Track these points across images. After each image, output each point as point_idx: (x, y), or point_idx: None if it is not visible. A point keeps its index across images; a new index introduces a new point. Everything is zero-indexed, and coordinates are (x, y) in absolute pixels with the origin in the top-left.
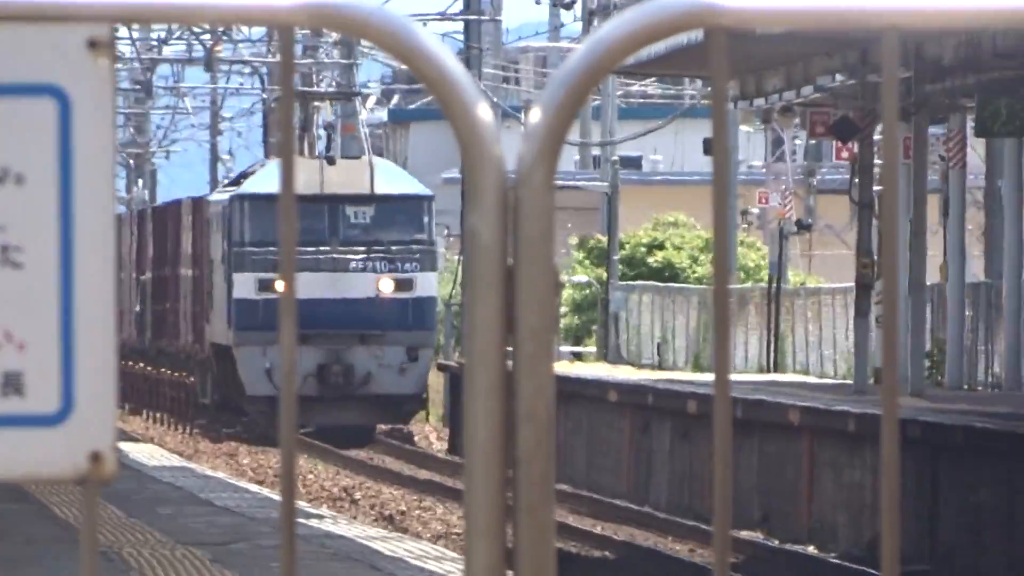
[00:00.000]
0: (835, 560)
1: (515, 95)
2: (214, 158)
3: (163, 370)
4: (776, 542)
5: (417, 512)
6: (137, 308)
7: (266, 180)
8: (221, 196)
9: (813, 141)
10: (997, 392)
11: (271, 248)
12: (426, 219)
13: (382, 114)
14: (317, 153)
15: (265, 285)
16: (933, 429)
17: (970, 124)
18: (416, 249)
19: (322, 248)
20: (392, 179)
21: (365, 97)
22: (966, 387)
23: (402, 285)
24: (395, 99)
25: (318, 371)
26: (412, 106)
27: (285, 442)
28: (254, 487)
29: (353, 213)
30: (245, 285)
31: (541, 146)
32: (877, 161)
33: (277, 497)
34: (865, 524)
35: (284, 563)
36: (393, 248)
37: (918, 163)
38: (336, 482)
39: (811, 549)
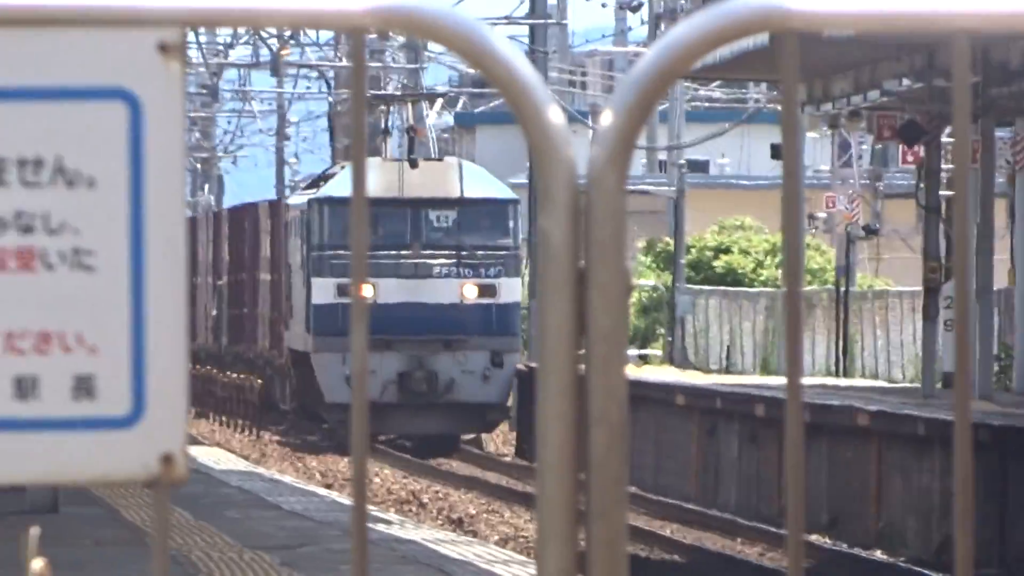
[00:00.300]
0: (903, 564)
1: (581, 99)
2: (280, 162)
3: (230, 374)
4: (844, 546)
5: (485, 516)
6: (214, 312)
7: (345, 183)
8: (299, 199)
9: (879, 145)
10: None
11: (350, 253)
12: (511, 223)
13: (449, 118)
14: (391, 155)
15: (344, 290)
16: (1003, 433)
17: None
18: (501, 254)
19: (404, 253)
20: (476, 182)
21: (434, 100)
22: None
23: (486, 291)
24: (461, 103)
25: (400, 378)
26: (478, 110)
27: (357, 447)
28: (322, 491)
29: (436, 217)
30: (324, 290)
31: (612, 149)
32: (944, 165)
33: (345, 500)
34: (934, 528)
35: (356, 567)
36: (477, 253)
37: (985, 167)
38: (404, 486)
39: (879, 553)
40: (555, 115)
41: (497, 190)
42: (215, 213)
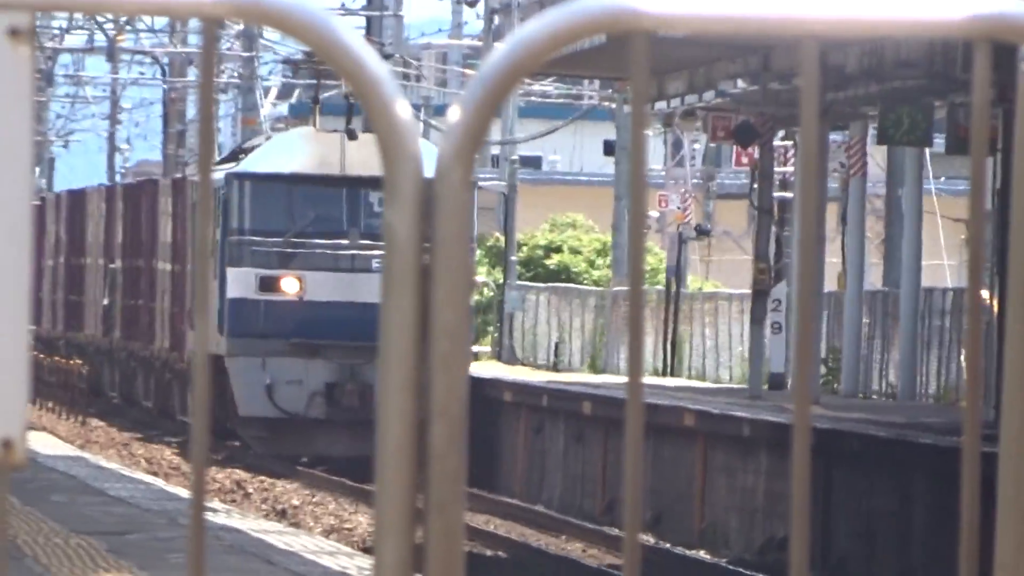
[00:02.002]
0: (725, 565)
1: (415, 92)
2: (112, 148)
3: (59, 358)
4: (667, 545)
5: (310, 507)
6: (105, 302)
7: (271, 157)
8: (213, 175)
9: (713, 145)
10: (892, 401)
11: (276, 238)
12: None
13: (283, 108)
14: (322, 128)
15: (268, 284)
16: (828, 436)
17: (871, 132)
18: None
19: (340, 243)
20: (430, 160)
21: (266, 90)
22: (861, 395)
23: None
24: (296, 93)
25: (328, 390)
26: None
27: (197, 440)
28: (148, 478)
29: (379, 200)
30: (242, 282)
31: (460, 144)
32: (777, 168)
33: (170, 488)
34: (756, 529)
35: (192, 557)
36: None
37: (818, 170)
38: (228, 475)
39: (702, 553)
40: (403, 109)
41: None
42: (109, 187)
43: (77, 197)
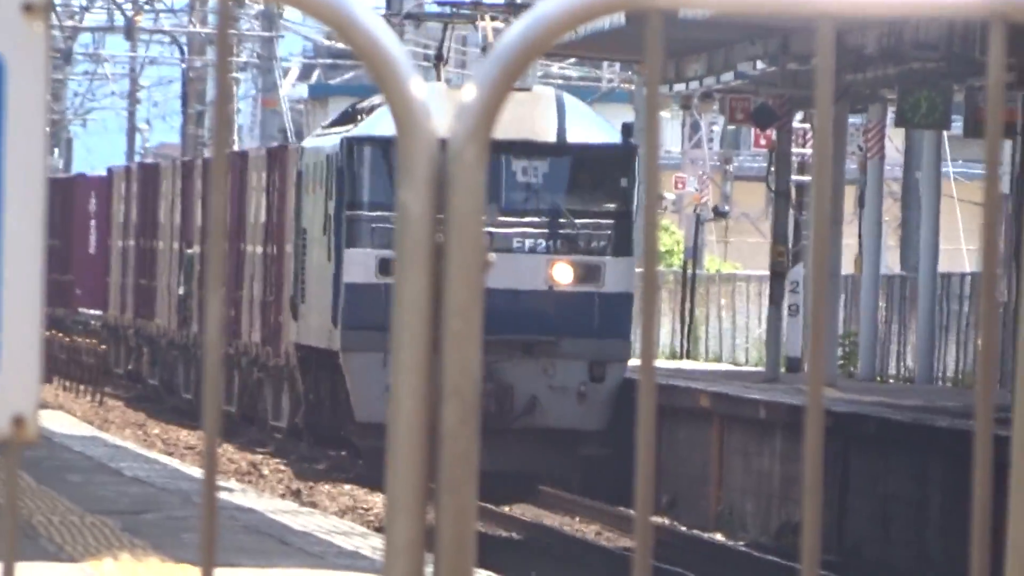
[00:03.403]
0: (742, 548)
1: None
2: (131, 128)
3: (76, 338)
4: (683, 528)
5: (326, 488)
6: (180, 291)
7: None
8: (323, 141)
9: (731, 127)
10: (909, 384)
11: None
12: (624, 181)
13: (302, 90)
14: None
15: (390, 267)
16: (845, 420)
17: (890, 115)
18: (608, 223)
19: None
20: (580, 122)
21: (286, 71)
22: (878, 379)
23: (587, 274)
24: (315, 74)
25: None
26: (332, 82)
27: (209, 418)
28: (164, 458)
29: (522, 169)
30: (361, 265)
31: (475, 122)
32: (795, 149)
33: (185, 468)
34: (773, 512)
35: (205, 536)
36: (577, 221)
37: (836, 153)
38: (244, 456)
39: (718, 536)
40: (417, 88)
41: (607, 134)
42: (183, 163)
43: (150, 172)
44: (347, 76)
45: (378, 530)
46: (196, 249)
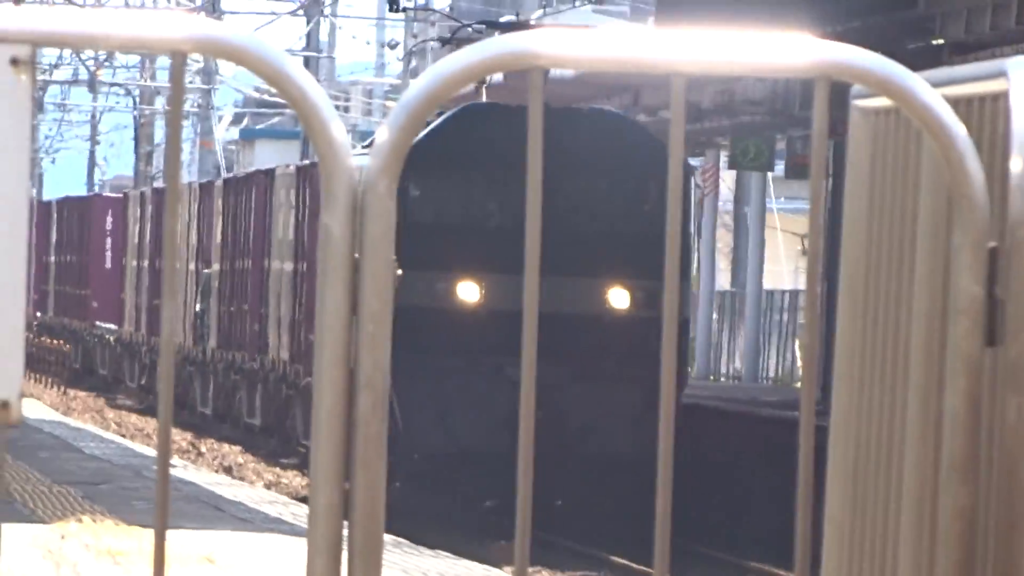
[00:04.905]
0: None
1: (345, 121)
2: (91, 164)
3: (45, 339)
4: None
5: (252, 465)
6: (197, 307)
7: (451, 136)
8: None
9: None
10: (737, 382)
11: (449, 235)
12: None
13: (234, 133)
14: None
15: (440, 290)
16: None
17: (723, 158)
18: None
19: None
20: (631, 137)
21: (219, 118)
22: (711, 378)
23: (644, 298)
24: (245, 120)
25: (513, 419)
26: (259, 126)
27: (162, 411)
28: (118, 439)
29: (576, 188)
30: (418, 286)
31: (385, 160)
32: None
33: (137, 447)
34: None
35: (159, 503)
36: (634, 244)
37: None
38: (184, 436)
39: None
40: (338, 130)
41: (661, 151)
42: (203, 184)
43: (164, 195)
44: (272, 121)
45: (299, 499)
46: (215, 268)
